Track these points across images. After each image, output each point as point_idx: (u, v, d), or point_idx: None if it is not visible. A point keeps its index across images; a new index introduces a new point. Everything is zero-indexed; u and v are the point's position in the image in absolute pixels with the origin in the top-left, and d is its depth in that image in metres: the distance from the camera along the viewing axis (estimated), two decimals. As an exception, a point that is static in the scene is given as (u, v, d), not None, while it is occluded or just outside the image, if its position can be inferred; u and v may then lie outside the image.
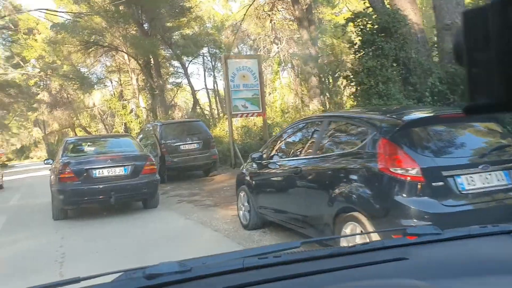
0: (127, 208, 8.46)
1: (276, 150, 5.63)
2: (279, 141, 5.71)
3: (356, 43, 7.57)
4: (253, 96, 14.22)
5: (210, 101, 44.16)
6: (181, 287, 1.17)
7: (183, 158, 12.09)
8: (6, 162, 59.84)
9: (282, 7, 29.24)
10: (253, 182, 5.92)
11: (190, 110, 32.68)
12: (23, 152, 73.98)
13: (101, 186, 7.44)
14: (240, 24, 29.58)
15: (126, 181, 7.60)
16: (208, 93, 43.85)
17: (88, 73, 42.36)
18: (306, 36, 21.41)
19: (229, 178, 11.93)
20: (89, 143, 8.95)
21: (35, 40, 36.56)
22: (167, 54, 32.39)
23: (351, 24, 7.70)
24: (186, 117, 35.27)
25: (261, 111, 14.34)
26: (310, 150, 4.79)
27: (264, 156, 5.73)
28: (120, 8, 24.46)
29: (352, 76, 7.47)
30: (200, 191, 10.28)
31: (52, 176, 8.05)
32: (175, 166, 11.95)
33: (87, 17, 24.99)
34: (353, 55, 7.93)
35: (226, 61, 14.03)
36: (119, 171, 7.60)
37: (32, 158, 70.79)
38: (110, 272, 1.25)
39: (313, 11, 25.10)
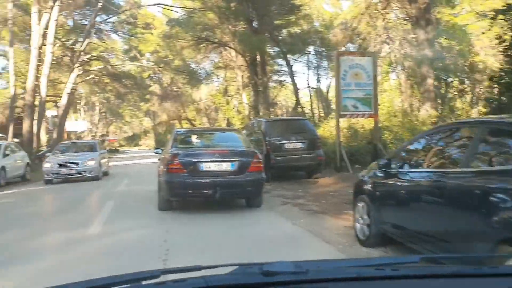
0: (229, 204, 8.15)
1: (410, 158, 4.80)
2: (414, 148, 4.88)
3: (505, 39, 6.41)
4: (365, 96, 13.30)
5: (311, 100, 43.38)
6: None
7: (286, 157, 11.59)
8: (118, 148, 64.89)
9: (397, 6, 27.61)
10: (377, 192, 5.15)
11: (292, 108, 32.24)
12: (133, 140, 79.74)
13: (207, 180, 7.17)
14: (351, 23, 28.56)
15: (232, 177, 7.25)
16: (310, 92, 43.13)
17: (197, 68, 44.04)
18: (423, 36, 19.78)
19: (334, 183, 11.18)
20: (197, 136, 8.81)
21: (151, 33, 38.64)
22: (273, 52, 32.35)
23: (500, 17, 6.55)
24: (285, 115, 35.00)
25: (372, 112, 13.37)
26: (459, 162, 3.92)
27: (393, 164, 4.92)
28: (232, 5, 24.76)
29: (506, 77, 6.32)
30: (304, 194, 9.68)
31: (160, 166, 7.99)
32: (278, 165, 11.48)
33: (200, 13, 25.65)
34: (501, 53, 6.75)
35: (338, 58, 13.26)
36: (225, 166, 7.27)
37: (141, 145, 75.93)
38: (226, 264, 1.29)
39: (431, 10, 23.20)
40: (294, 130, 12.10)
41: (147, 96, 45.94)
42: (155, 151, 9.51)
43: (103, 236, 5.96)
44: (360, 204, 5.55)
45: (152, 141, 70.72)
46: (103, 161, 15.14)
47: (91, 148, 15.53)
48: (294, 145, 11.76)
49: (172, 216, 7.22)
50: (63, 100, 23.64)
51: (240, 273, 1.26)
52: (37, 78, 21.45)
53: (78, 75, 25.42)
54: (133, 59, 45.23)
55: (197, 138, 8.62)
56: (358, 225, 5.60)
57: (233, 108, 37.41)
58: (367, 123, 16.48)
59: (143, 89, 43.22)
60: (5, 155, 13.68)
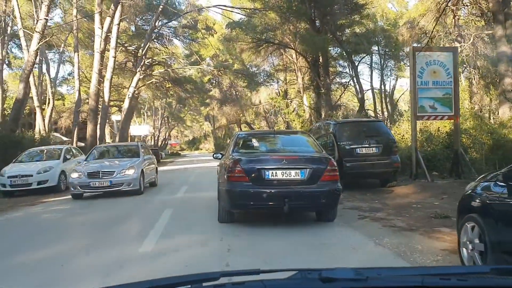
0: (297, 217, 7.16)
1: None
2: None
3: None
4: (444, 95, 11.89)
5: (375, 102, 41.46)
6: None
7: (359, 163, 10.42)
8: (180, 152, 66.03)
9: (469, 1, 25.52)
10: (497, 212, 3.97)
11: (356, 111, 30.72)
12: (194, 143, 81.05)
13: (273, 191, 6.21)
14: (418, 22, 26.82)
15: (303, 187, 6.24)
16: (373, 93, 41.25)
17: (256, 71, 43.55)
18: (500, 32, 17.81)
19: (413, 192, 9.89)
20: (261, 139, 7.90)
21: (212, 35, 38.55)
22: (335, 53, 31.10)
23: None
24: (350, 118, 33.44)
25: (453, 113, 11.91)
26: None
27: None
28: (293, 5, 23.86)
29: None
30: (382, 205, 8.49)
31: (220, 173, 7.17)
32: (350, 172, 10.32)
33: (260, 14, 24.95)
34: None
35: (414, 54, 11.91)
36: (294, 174, 6.28)
37: (201, 149, 76.92)
38: (285, 268, 1.29)
39: (510, 4, 21.05)
40: (367, 133, 10.91)
41: (207, 100, 46.05)
42: (214, 155, 8.72)
43: (156, 256, 5.17)
44: (469, 225, 4.36)
45: (212, 145, 71.34)
46: (148, 169, 12.32)
47: (133, 152, 12.50)
48: (368, 150, 10.57)
49: (234, 231, 6.33)
50: (126, 104, 23.80)
51: (298, 278, 1.23)
52: (100, 83, 21.64)
53: (140, 79, 25.52)
54: (194, 63, 45.61)
55: (261, 142, 7.71)
56: (465, 251, 4.41)
57: (293, 111, 36.39)
58: (443, 126, 14.91)
59: (203, 93, 43.31)
60: (65, 159, 13.56)
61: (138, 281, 1.23)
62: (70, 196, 11.38)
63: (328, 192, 6.27)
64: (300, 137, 8.26)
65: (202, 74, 49.01)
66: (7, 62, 26.92)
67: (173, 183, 14.82)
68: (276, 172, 6.27)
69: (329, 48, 27.94)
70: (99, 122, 22.76)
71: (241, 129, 51.78)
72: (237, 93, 46.31)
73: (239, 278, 1.21)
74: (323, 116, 29.27)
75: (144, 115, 64.47)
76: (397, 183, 10.98)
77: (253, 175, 6.28)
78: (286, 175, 6.27)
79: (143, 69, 25.36)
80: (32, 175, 12.32)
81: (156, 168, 14.17)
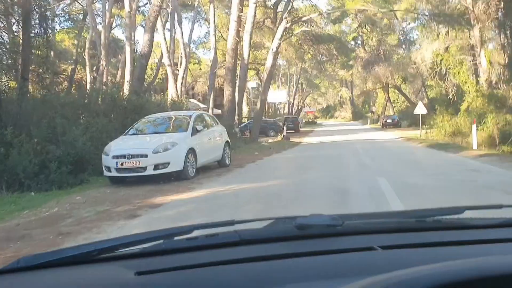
0: None
1: None
2: None
3: None
4: None
5: None
6: (331, 241, 1.11)
7: None
8: (315, 120, 60.70)
9: None
10: None
11: None
12: (328, 111, 74.90)
13: None
14: None
15: None
16: None
17: (408, 26, 35.56)
18: None
19: None
20: None
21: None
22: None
23: None
24: None
25: None
26: None
27: None
28: None
29: None
30: None
31: None
32: None
33: None
34: None
35: None
36: None
37: (336, 117, 70.65)
38: (262, 218, 1.25)
39: None
40: None
41: (351, 62, 39.40)
42: None
43: None
44: None
45: (349, 113, 64.66)
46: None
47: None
48: None
49: None
50: (268, 62, 18.80)
51: (273, 227, 1.23)
52: (239, 35, 16.98)
53: (285, 31, 20.25)
54: (336, 21, 39.05)
55: None
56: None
57: (468, 71, 28.18)
58: None
59: (348, 52, 36.75)
60: (195, 131, 8.88)
61: (112, 237, 1.20)
62: (204, 191, 6.78)
63: None
64: None
65: (348, 31, 42.43)
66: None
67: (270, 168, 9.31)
68: None
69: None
70: (237, 85, 18.24)
71: (388, 96, 44.09)
72: (386, 52, 38.83)
73: (213, 230, 1.13)
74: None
75: (278, 82, 60.19)
76: None
77: None
78: None
79: (289, 17, 19.90)
80: (147, 155, 7.87)
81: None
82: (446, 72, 29.48)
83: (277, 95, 41.58)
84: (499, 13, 21.77)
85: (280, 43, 18.81)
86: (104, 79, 21.48)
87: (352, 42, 40.86)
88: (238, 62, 19.01)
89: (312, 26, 31.39)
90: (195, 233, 1.14)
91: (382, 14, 39.13)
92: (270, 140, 20.94)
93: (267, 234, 1.17)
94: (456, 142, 20.39)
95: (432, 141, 19.09)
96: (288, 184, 7.32)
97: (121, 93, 13.57)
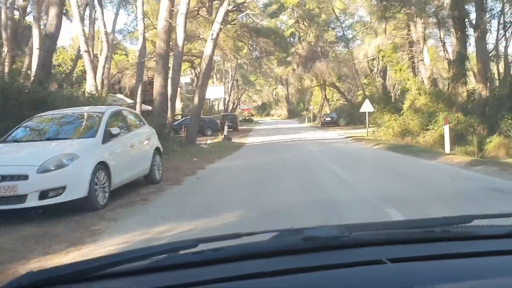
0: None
1: None
2: None
3: None
4: None
5: None
6: (338, 254, 1.07)
7: None
8: (251, 118, 58.41)
9: None
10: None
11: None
12: (264, 109, 72.93)
13: None
14: None
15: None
16: None
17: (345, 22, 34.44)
18: None
19: None
20: None
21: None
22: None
23: None
24: None
25: None
26: None
27: None
28: None
29: None
30: None
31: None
32: None
33: None
34: None
35: None
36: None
37: (272, 115, 68.86)
38: (268, 230, 1.18)
39: None
40: None
41: (289, 58, 37.47)
42: None
43: None
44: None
45: (285, 110, 63.15)
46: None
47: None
48: None
49: None
50: (208, 50, 15.80)
51: (279, 239, 1.17)
52: (172, 16, 14.02)
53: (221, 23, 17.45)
54: (273, 15, 36.89)
55: None
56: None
57: (408, 68, 27.19)
58: None
59: (288, 46, 34.69)
60: (109, 137, 5.87)
61: (118, 252, 1.16)
62: (117, 241, 3.94)
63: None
64: None
65: (285, 27, 40.50)
66: None
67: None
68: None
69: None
70: (170, 76, 15.28)
71: (324, 94, 42.82)
72: (323, 49, 37.43)
73: (219, 244, 1.08)
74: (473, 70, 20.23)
75: (213, 78, 57.20)
76: None
77: None
78: None
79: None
80: (27, 176, 4.84)
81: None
82: (387, 68, 28.36)
83: (214, 91, 38.72)
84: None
85: (221, 28, 16.02)
86: (7, 68, 17.56)
87: (290, 39, 38.85)
88: (172, 51, 16.02)
89: (251, 18, 29.06)
90: (200, 247, 1.08)
91: (320, 9, 37.71)
92: (209, 141, 18.17)
93: (273, 247, 1.12)
94: (406, 142, 19.01)
95: (385, 142, 17.42)
96: (253, 218, 4.70)
97: (16, 84, 10.23)
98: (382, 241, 1.15)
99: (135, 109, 17.15)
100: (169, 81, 15.22)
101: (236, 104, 55.57)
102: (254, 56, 37.58)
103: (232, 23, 27.79)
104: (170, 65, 15.72)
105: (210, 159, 11.48)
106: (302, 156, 11.38)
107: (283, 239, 1.17)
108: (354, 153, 12.75)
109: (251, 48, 34.15)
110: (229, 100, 52.76)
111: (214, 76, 57.76)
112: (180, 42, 15.00)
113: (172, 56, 15.60)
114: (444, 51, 26.82)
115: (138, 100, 17.28)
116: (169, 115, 14.80)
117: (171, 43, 15.41)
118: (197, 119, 15.32)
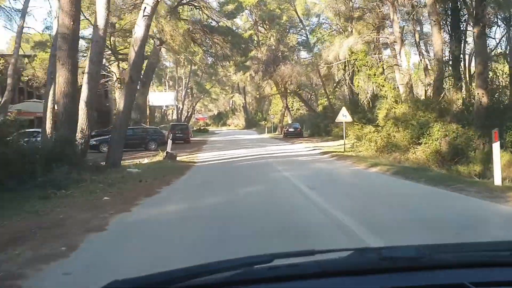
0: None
1: None
2: None
3: None
4: None
5: None
6: (417, 275, 1.00)
7: None
8: (206, 128, 53.58)
9: None
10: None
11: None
12: (220, 119, 68.17)
13: None
14: None
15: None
16: None
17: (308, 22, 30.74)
18: None
19: None
20: None
21: None
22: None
23: None
24: None
25: None
26: None
27: None
28: None
29: None
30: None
31: None
32: None
33: None
34: None
35: None
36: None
37: (229, 125, 64.11)
38: (342, 249, 1.15)
39: None
40: None
41: (248, 63, 33.30)
42: None
43: None
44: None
45: (242, 120, 58.79)
46: None
47: None
48: None
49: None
50: (139, 32, 10.92)
51: (356, 258, 1.14)
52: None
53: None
54: (230, 15, 32.58)
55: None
56: None
57: (382, 74, 23.70)
58: None
59: (244, 51, 30.47)
60: None
61: (190, 265, 1.09)
62: None
63: None
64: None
65: (243, 29, 36.40)
66: None
67: None
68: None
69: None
70: (87, 71, 10.64)
71: (286, 104, 38.77)
72: (285, 54, 33.61)
73: (293, 260, 1.06)
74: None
75: (165, 85, 52.09)
76: None
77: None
78: None
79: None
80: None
81: None
82: (357, 72, 24.74)
83: (163, 97, 33.86)
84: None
85: (158, 2, 11.37)
86: None
87: (248, 42, 34.71)
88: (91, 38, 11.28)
89: (206, 14, 24.70)
90: (276, 262, 1.05)
91: (281, 10, 33.93)
92: (146, 160, 13.49)
93: (350, 266, 1.06)
94: (395, 159, 15.26)
95: (376, 161, 13.51)
96: None
97: None
98: (464, 263, 1.07)
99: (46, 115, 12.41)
100: (85, 77, 10.54)
101: (190, 113, 50.69)
102: (210, 61, 33.17)
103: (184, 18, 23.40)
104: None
105: (134, 196, 6.94)
106: (279, 193, 7.04)
107: (360, 258, 1.13)
108: (357, 182, 8.58)
109: (206, 51, 29.70)
110: (182, 108, 47.88)
111: (167, 83, 52.74)
112: (101, 22, 10.36)
113: (87, 41, 10.86)
114: (419, 55, 23.67)
115: (50, 104, 12.48)
116: (84, 127, 10.07)
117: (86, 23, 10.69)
118: (123, 131, 10.56)
